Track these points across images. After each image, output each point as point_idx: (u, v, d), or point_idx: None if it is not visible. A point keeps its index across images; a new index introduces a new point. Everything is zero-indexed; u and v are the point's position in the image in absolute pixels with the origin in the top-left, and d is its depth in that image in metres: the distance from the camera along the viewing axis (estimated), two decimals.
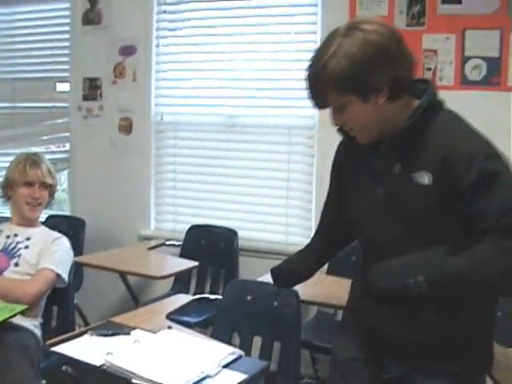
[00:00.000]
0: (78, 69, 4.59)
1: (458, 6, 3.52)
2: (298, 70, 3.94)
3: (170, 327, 2.24)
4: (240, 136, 4.16)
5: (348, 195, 2.00)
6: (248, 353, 2.45)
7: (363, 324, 1.96)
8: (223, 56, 4.18)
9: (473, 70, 3.52)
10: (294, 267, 2.29)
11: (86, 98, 4.59)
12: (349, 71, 1.65)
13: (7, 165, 3.23)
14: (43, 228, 3.19)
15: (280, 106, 3.97)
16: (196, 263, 3.68)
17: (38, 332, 2.83)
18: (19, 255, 2.94)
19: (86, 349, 2.05)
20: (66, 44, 4.67)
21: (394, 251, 1.76)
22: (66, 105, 4.71)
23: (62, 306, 3.12)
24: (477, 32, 3.50)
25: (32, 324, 2.82)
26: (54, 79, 4.77)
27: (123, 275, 3.86)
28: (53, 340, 2.14)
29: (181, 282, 4.09)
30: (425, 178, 1.73)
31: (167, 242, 4.25)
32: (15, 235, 3.03)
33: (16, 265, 2.92)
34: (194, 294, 3.97)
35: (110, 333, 2.17)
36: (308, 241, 2.31)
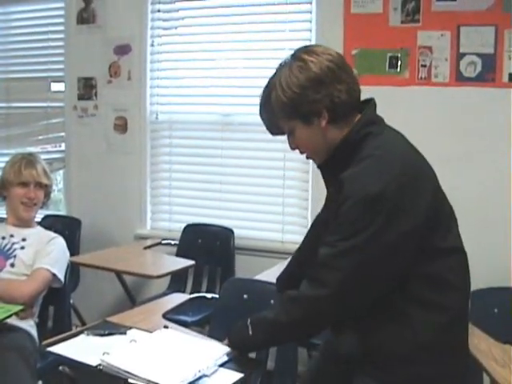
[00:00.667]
0: (73, 68, 4.58)
1: (453, 3, 3.52)
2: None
3: (166, 326, 2.24)
4: (235, 134, 4.16)
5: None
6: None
7: None
8: (218, 54, 4.18)
9: (468, 66, 3.52)
10: (292, 270, 2.30)
11: (81, 97, 4.58)
12: (287, 100, 1.81)
13: (2, 165, 3.22)
14: (39, 228, 3.18)
15: None
16: (192, 262, 3.68)
17: (33, 332, 2.82)
18: (15, 256, 2.94)
19: (83, 349, 2.04)
20: (60, 43, 4.67)
21: None
22: (61, 104, 4.70)
23: (58, 306, 3.11)
24: (472, 28, 3.50)
25: (28, 324, 2.82)
26: (48, 79, 4.76)
27: (119, 275, 3.86)
28: (49, 340, 2.13)
29: (177, 281, 4.09)
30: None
31: (163, 241, 4.25)
32: (11, 236, 3.02)
33: (12, 265, 2.91)
34: (191, 292, 3.96)
35: (106, 332, 2.16)
36: None
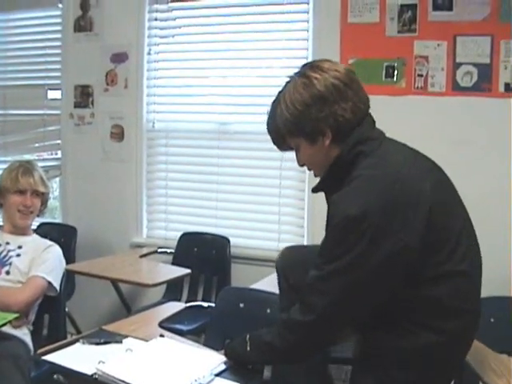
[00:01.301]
0: (70, 76, 4.58)
1: (449, 13, 3.53)
2: (289, 76, 3.95)
3: (162, 335, 2.23)
4: (232, 143, 4.16)
5: None
6: None
7: None
8: (215, 63, 4.18)
9: (464, 76, 3.53)
10: None
11: (77, 105, 4.58)
12: (290, 117, 1.81)
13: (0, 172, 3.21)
14: (35, 236, 3.18)
15: None
16: (188, 271, 3.67)
17: (28, 340, 2.81)
18: (10, 263, 2.93)
19: (78, 357, 2.03)
20: (57, 51, 4.66)
21: None
22: (57, 112, 4.70)
23: (53, 314, 3.10)
24: (468, 38, 3.51)
25: (22, 332, 2.80)
26: (45, 86, 4.75)
27: (115, 283, 3.85)
28: (44, 349, 2.12)
29: (173, 290, 4.08)
30: None
31: (159, 250, 4.24)
32: (7, 243, 3.01)
33: (7, 273, 2.90)
34: (187, 301, 3.96)
35: (101, 341, 2.15)
36: None
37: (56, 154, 4.78)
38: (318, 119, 1.77)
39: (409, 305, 1.74)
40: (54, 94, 4.73)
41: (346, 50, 3.72)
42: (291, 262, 2.17)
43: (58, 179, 4.81)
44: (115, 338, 2.18)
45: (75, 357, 2.04)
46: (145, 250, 4.22)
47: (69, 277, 3.51)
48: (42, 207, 3.19)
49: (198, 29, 4.26)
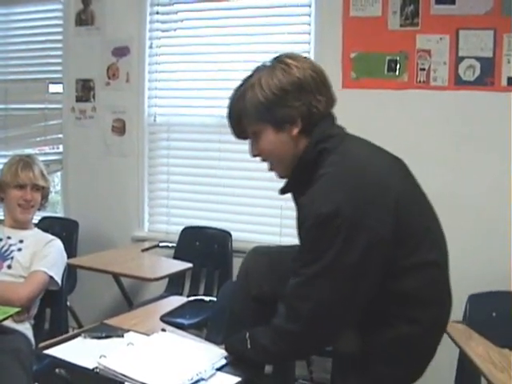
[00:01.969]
0: (71, 70, 4.57)
1: (452, 7, 3.52)
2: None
3: (163, 329, 2.23)
4: (233, 137, 4.14)
5: None
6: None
7: None
8: (216, 57, 4.17)
9: (467, 70, 3.52)
10: None
11: (79, 99, 4.57)
12: (264, 100, 1.77)
13: (0, 167, 3.21)
14: (36, 230, 3.17)
15: None
16: (190, 265, 3.67)
17: (30, 335, 2.81)
18: (12, 257, 2.93)
19: (79, 351, 2.03)
20: (58, 45, 4.66)
21: None
22: (58, 106, 4.69)
23: (55, 308, 3.10)
24: (470, 32, 3.50)
25: (24, 327, 2.80)
26: (46, 80, 4.75)
27: (117, 277, 3.85)
28: (45, 343, 2.12)
29: (175, 284, 4.08)
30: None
31: (161, 244, 4.24)
32: (8, 238, 3.01)
33: (9, 267, 2.90)
34: (188, 295, 3.96)
35: (103, 335, 2.15)
36: None
37: (57, 148, 4.78)
38: (293, 106, 1.77)
39: (384, 298, 1.73)
40: (55, 88, 4.72)
41: (348, 44, 3.71)
42: (262, 271, 2.14)
43: (59, 173, 4.81)
44: (117, 332, 2.18)
45: (77, 351, 2.04)
46: (146, 244, 4.22)
47: (70, 271, 3.52)
48: (43, 201, 3.19)
49: (199, 22, 4.24)
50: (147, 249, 4.14)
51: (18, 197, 3.04)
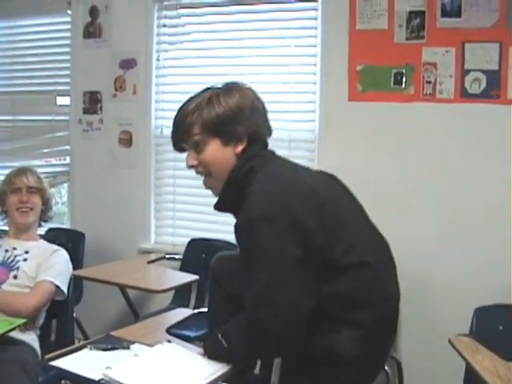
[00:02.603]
0: (79, 82, 4.60)
1: (458, 20, 3.52)
2: (297, 83, 3.96)
3: (169, 341, 2.23)
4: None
5: None
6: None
7: None
8: (223, 69, 4.18)
9: (473, 82, 3.52)
10: None
11: (86, 111, 4.59)
12: (221, 114, 1.93)
13: None
14: (42, 241, 3.20)
15: (280, 120, 3.91)
16: (196, 277, 3.67)
17: (36, 346, 2.82)
18: (18, 268, 2.94)
19: (85, 363, 2.03)
20: (66, 57, 4.68)
21: None
22: (66, 118, 4.71)
23: (61, 319, 3.11)
24: (476, 45, 3.50)
25: (30, 337, 2.81)
26: (54, 92, 4.77)
27: (123, 289, 3.85)
28: (52, 354, 2.13)
29: (181, 296, 4.07)
30: None
31: (167, 256, 4.24)
32: (14, 248, 3.03)
33: (15, 277, 2.92)
34: (194, 307, 3.95)
35: (109, 347, 2.15)
36: None
37: (64, 159, 4.80)
38: (244, 125, 1.94)
39: (322, 302, 1.81)
40: (62, 100, 4.74)
41: (355, 57, 3.72)
42: (228, 271, 2.23)
43: (66, 185, 4.83)
44: (122, 344, 2.19)
45: (83, 362, 2.04)
46: (153, 256, 4.22)
47: (76, 282, 3.52)
48: (44, 207, 3.21)
49: (206, 35, 4.26)
50: (153, 261, 4.14)
51: (15, 201, 3.09)
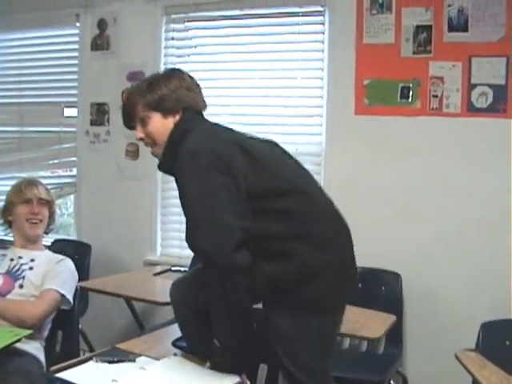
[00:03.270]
0: (86, 94, 4.62)
1: (464, 34, 3.54)
2: (304, 96, 3.97)
3: (176, 354, 2.23)
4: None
5: None
6: (254, 381, 2.43)
7: None
8: (230, 82, 4.21)
9: (479, 97, 3.53)
10: None
11: (93, 123, 4.62)
12: (161, 95, 2.22)
13: None
14: (47, 252, 3.20)
15: (286, 133, 3.94)
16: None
17: (41, 357, 2.81)
18: (23, 277, 2.94)
19: (91, 375, 2.03)
20: (74, 69, 4.72)
21: None
22: (73, 129, 4.74)
23: (66, 330, 3.10)
24: (483, 59, 3.51)
25: (35, 348, 2.80)
26: (61, 104, 4.80)
27: (128, 301, 3.84)
28: (57, 366, 2.13)
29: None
30: None
31: (173, 268, 4.23)
32: (19, 257, 3.03)
33: (21, 286, 2.91)
34: None
35: (115, 359, 2.15)
36: None
37: (71, 171, 4.82)
38: (179, 100, 2.23)
39: (268, 225, 2.00)
40: (70, 112, 4.77)
41: (362, 71, 3.73)
42: (188, 291, 2.37)
43: (72, 196, 4.84)
44: (128, 357, 2.19)
45: (88, 375, 2.04)
46: (159, 268, 4.22)
47: (82, 294, 3.52)
48: (51, 220, 3.22)
49: (213, 48, 4.29)
50: (159, 273, 4.13)
51: (26, 212, 3.08)
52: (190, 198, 2.00)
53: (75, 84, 4.71)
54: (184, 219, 4.17)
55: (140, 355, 2.21)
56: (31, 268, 2.98)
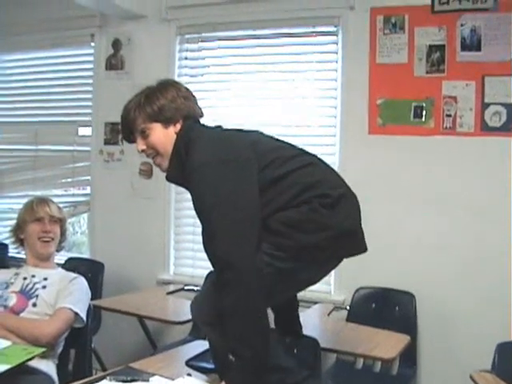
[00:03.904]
0: (101, 113, 4.65)
1: (477, 53, 3.54)
2: (318, 116, 3.98)
3: (189, 374, 2.22)
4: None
5: None
6: None
7: None
8: (244, 102, 4.23)
9: (493, 116, 3.53)
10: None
11: (107, 142, 4.64)
12: (160, 107, 2.25)
13: None
14: (60, 269, 3.20)
15: None
16: None
17: (54, 375, 2.81)
18: (37, 295, 2.94)
19: None
20: (88, 89, 4.76)
21: None
22: (87, 148, 4.77)
23: (79, 349, 3.10)
24: (496, 79, 3.51)
25: (48, 366, 2.80)
26: (76, 123, 4.83)
27: (141, 319, 3.84)
28: None
29: (199, 328, 4.04)
30: None
31: (186, 287, 4.23)
32: (32, 276, 3.03)
33: (34, 305, 2.91)
34: None
35: (128, 379, 2.15)
36: None
37: (85, 189, 4.84)
38: (178, 110, 2.26)
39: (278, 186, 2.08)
40: (84, 131, 4.80)
41: (375, 91, 3.74)
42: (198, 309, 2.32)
43: (86, 215, 4.86)
44: (142, 376, 2.18)
45: None
46: (171, 287, 4.22)
47: (95, 312, 3.52)
48: (62, 238, 3.22)
49: (226, 68, 4.31)
50: (172, 292, 4.13)
51: (38, 230, 3.09)
52: (208, 206, 2.02)
53: (89, 103, 4.74)
54: (197, 238, 4.18)
55: (154, 375, 2.21)
56: (44, 287, 2.98)
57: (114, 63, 4.62)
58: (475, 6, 3.54)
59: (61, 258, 3.36)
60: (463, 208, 3.56)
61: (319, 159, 2.32)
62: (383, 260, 3.62)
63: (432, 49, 3.64)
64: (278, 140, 2.37)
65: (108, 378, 2.16)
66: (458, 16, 3.58)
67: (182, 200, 4.43)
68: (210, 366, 3.40)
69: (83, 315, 2.96)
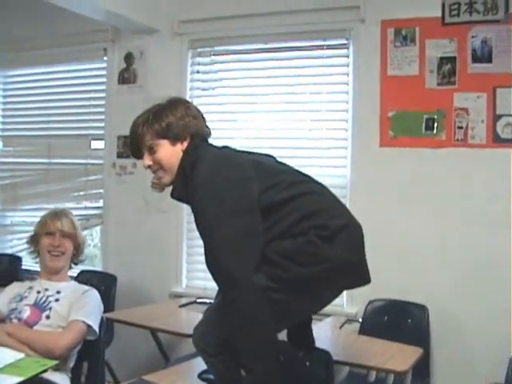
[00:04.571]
0: (113, 127, 4.67)
1: (488, 65, 3.55)
2: (329, 129, 3.99)
3: None
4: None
5: None
6: None
7: None
8: (256, 116, 4.25)
9: (504, 127, 3.52)
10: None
11: (120, 155, 4.66)
12: (168, 124, 2.28)
13: None
14: (73, 282, 3.22)
15: (311, 165, 3.90)
16: None
17: None
18: (50, 308, 2.96)
19: None
20: (101, 102, 4.79)
21: None
22: (100, 162, 4.80)
23: (92, 361, 3.11)
24: (508, 90, 3.51)
25: (61, 379, 2.81)
26: (89, 136, 4.87)
27: (154, 332, 3.85)
28: None
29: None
30: None
31: (198, 300, 4.22)
32: (46, 290, 3.05)
33: (47, 317, 2.93)
34: None
35: None
36: None
37: (98, 202, 4.86)
38: (186, 128, 2.29)
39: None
40: (97, 144, 4.83)
41: (386, 103, 3.75)
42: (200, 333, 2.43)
43: (98, 228, 4.88)
44: None
45: None
46: (184, 300, 4.22)
47: (108, 325, 3.53)
48: (76, 251, 3.24)
49: (238, 81, 4.34)
50: (185, 305, 4.14)
51: (48, 244, 3.11)
52: (210, 221, 2.06)
53: (102, 117, 4.78)
54: None
55: None
56: (57, 300, 3.00)
57: (126, 77, 4.66)
58: (486, 18, 3.55)
59: (74, 270, 3.37)
60: (476, 221, 3.54)
61: (325, 187, 2.34)
62: (395, 272, 3.61)
63: (443, 61, 3.65)
64: (286, 165, 2.42)
65: None
66: (469, 28, 3.59)
67: None
68: None
69: (96, 328, 2.97)
